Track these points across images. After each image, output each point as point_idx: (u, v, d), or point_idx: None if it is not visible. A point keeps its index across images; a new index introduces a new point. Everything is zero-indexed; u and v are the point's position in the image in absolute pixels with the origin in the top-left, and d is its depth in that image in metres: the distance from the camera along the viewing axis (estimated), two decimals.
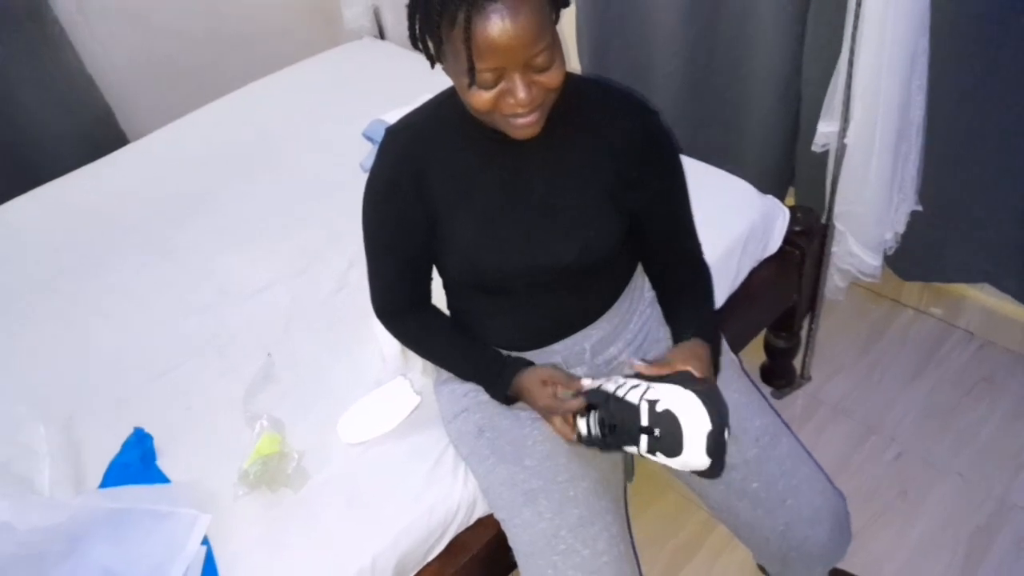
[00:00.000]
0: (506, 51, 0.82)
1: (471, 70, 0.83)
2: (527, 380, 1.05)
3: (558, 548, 1.02)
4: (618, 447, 0.96)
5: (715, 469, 0.91)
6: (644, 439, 0.92)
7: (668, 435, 0.90)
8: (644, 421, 0.91)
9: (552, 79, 0.87)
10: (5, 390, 1.42)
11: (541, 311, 1.11)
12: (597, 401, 0.96)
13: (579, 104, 0.98)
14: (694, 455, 0.90)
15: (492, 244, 1.03)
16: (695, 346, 1.00)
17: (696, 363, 0.95)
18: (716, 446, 0.89)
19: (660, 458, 0.93)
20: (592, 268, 1.06)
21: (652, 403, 0.91)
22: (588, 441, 0.98)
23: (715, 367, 1.03)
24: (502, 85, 0.85)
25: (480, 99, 0.86)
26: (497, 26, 0.80)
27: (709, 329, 1.06)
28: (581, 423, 0.99)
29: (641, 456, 0.95)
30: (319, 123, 1.97)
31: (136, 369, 1.43)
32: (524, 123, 0.90)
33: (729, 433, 0.92)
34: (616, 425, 0.94)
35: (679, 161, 1.08)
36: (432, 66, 0.95)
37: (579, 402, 0.98)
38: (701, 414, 0.89)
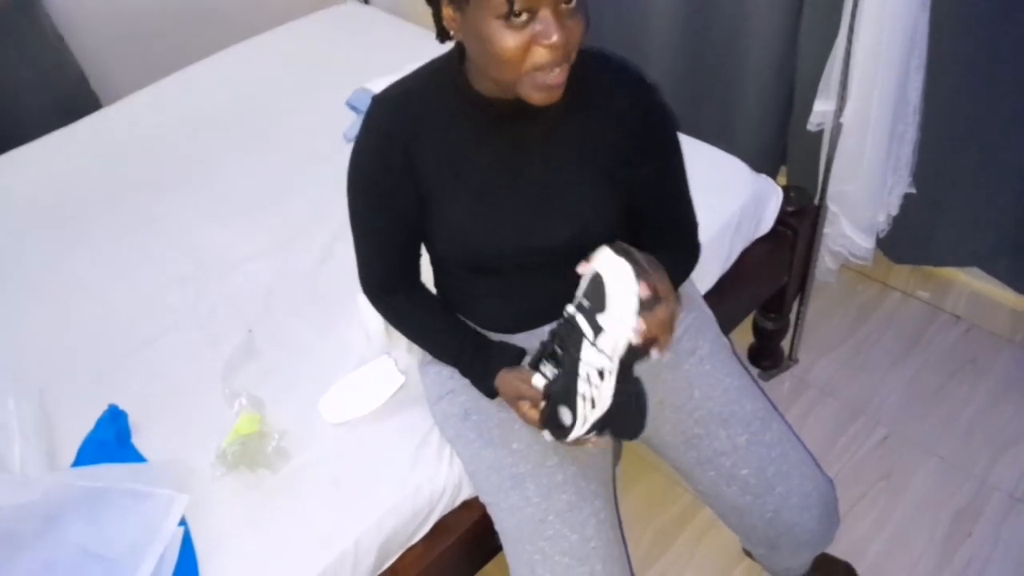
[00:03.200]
0: None
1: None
2: (504, 387, 1.03)
3: (546, 533, 1.00)
4: (573, 373, 0.91)
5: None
6: (583, 322, 0.88)
7: (593, 293, 0.87)
8: (570, 310, 0.89)
9: (579, 27, 0.84)
10: None
11: (532, 293, 1.08)
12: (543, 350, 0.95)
13: (577, 76, 0.94)
14: (623, 307, 0.86)
15: (485, 223, 0.99)
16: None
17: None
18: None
19: (603, 338, 0.88)
20: (587, 250, 1.02)
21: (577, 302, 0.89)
22: (551, 386, 0.94)
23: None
24: (534, 26, 0.81)
25: (509, 43, 0.81)
26: None
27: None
28: (537, 377, 0.95)
29: (593, 353, 0.89)
30: (301, 90, 1.91)
31: (111, 342, 1.38)
32: (549, 80, 0.85)
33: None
34: (560, 338, 0.91)
35: (677, 138, 1.05)
36: (440, 38, 0.90)
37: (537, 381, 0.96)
38: (622, 265, 0.86)
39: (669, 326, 0.89)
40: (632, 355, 0.90)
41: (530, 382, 0.97)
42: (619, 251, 0.87)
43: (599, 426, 0.94)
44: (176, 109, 1.93)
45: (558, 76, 0.85)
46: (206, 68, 2.04)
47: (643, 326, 0.87)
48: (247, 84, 1.97)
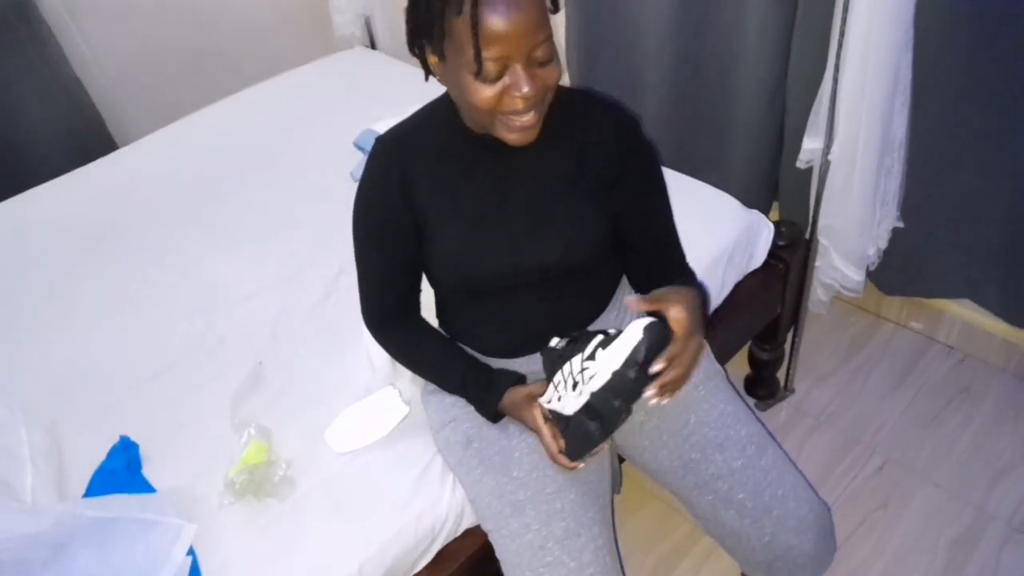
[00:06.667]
0: (511, 38, 0.84)
1: (477, 59, 0.85)
2: (514, 396, 1.07)
3: (544, 560, 1.02)
4: (567, 356, 1.00)
5: (621, 381, 0.94)
6: (598, 338, 0.97)
7: (615, 335, 0.96)
8: (599, 338, 0.98)
9: (551, 75, 0.90)
10: None
11: (529, 317, 1.12)
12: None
13: (563, 111, 1.00)
14: (619, 349, 0.94)
15: (478, 247, 1.04)
16: (685, 289, 0.99)
17: (683, 301, 0.94)
18: (634, 351, 0.92)
19: (591, 366, 0.96)
20: (577, 270, 1.08)
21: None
22: (548, 355, 1.04)
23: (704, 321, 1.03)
24: (505, 80, 0.87)
25: (483, 94, 0.88)
26: (502, 12, 0.83)
27: (697, 289, 1.06)
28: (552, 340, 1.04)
29: (579, 371, 0.98)
30: (310, 131, 1.97)
31: (122, 373, 1.42)
32: (524, 123, 0.91)
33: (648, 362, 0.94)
34: (580, 335, 1.00)
35: (658, 166, 1.12)
36: (426, 78, 0.97)
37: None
38: (646, 324, 0.93)
39: (674, 387, 0.96)
40: (604, 394, 0.97)
41: (537, 390, 1.05)
42: (654, 326, 0.93)
43: (561, 422, 1.03)
44: (189, 149, 1.99)
45: (531, 119, 0.91)
46: (220, 110, 2.11)
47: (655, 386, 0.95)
48: (259, 125, 2.03)
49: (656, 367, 0.93)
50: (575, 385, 0.98)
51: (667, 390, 0.95)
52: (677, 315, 0.92)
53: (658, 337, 0.92)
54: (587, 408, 0.98)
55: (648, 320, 0.93)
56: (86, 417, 1.34)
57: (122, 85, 2.26)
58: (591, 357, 0.97)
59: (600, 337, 0.97)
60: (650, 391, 0.95)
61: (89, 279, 1.63)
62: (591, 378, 0.96)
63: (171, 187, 1.86)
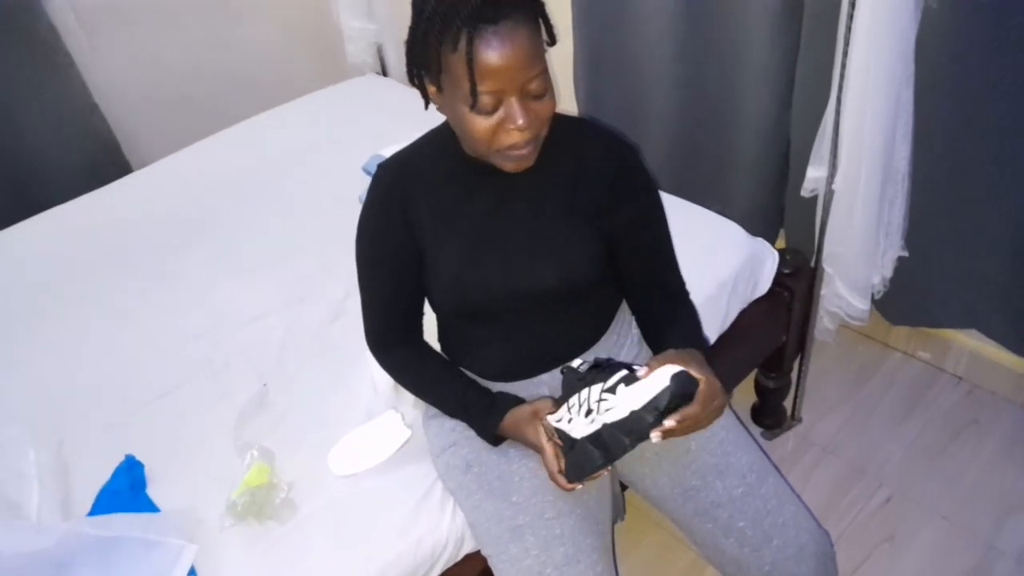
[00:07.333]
0: (505, 72, 0.87)
1: (473, 92, 0.87)
2: (517, 414, 1.07)
3: None
4: (588, 382, 0.99)
5: (637, 422, 0.93)
6: (621, 373, 0.96)
7: (637, 375, 0.95)
8: (636, 369, 0.97)
9: (546, 108, 0.93)
10: None
11: (528, 340, 1.13)
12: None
13: (560, 138, 1.02)
14: (643, 390, 0.93)
15: (475, 271, 1.06)
16: (692, 351, 0.99)
17: (691, 360, 0.95)
18: (657, 397, 0.92)
19: (609, 398, 0.95)
20: (573, 294, 1.09)
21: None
22: (569, 376, 1.03)
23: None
24: (500, 113, 0.90)
25: (479, 126, 0.90)
26: (496, 48, 0.85)
27: (701, 346, 1.06)
28: (575, 361, 1.04)
29: (596, 400, 0.97)
30: (320, 156, 2.01)
31: (128, 394, 1.44)
32: (519, 155, 0.94)
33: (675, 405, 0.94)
34: (605, 365, 1.00)
35: (656, 195, 1.13)
36: (426, 106, 0.99)
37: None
38: (674, 372, 0.92)
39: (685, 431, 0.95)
40: (616, 430, 0.96)
41: (542, 408, 1.04)
42: (681, 376, 0.93)
43: (566, 443, 1.02)
44: (201, 173, 2.03)
45: (527, 151, 0.94)
46: (233, 134, 2.16)
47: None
48: (271, 150, 2.07)
49: (669, 422, 0.92)
50: (588, 412, 0.99)
51: (673, 436, 0.94)
52: (705, 375, 0.93)
53: (683, 388, 0.93)
54: (595, 436, 0.99)
55: (677, 368, 0.93)
56: (93, 437, 1.36)
57: (139, 112, 2.31)
58: (612, 390, 0.96)
59: (624, 372, 0.97)
60: (655, 434, 0.94)
61: (98, 301, 1.65)
62: (607, 410, 0.96)
63: (181, 210, 1.90)
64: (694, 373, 0.93)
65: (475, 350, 1.17)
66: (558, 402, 1.05)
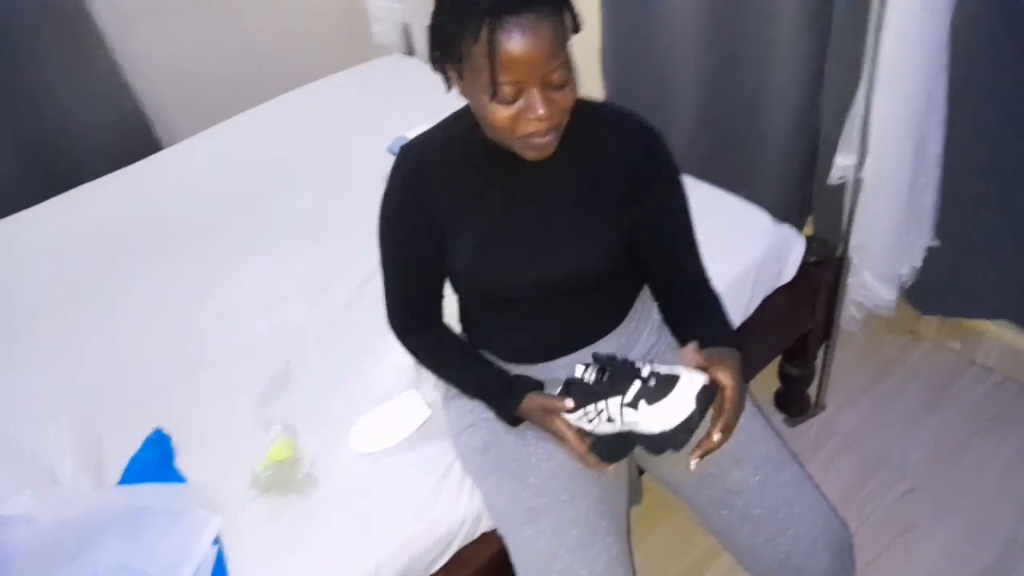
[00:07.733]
0: (526, 64, 0.86)
1: (493, 83, 0.87)
2: (531, 403, 1.07)
3: (556, 567, 1.03)
4: (602, 395, 0.97)
5: (671, 440, 0.93)
6: (636, 384, 0.94)
7: (660, 386, 0.93)
8: (644, 372, 0.95)
9: (567, 98, 0.92)
10: (35, 388, 1.48)
11: (547, 326, 1.13)
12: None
13: (582, 124, 1.01)
14: (669, 412, 0.92)
15: (492, 258, 1.06)
16: (723, 352, 0.97)
17: (732, 368, 0.94)
18: (688, 420, 0.92)
19: (631, 412, 0.94)
20: (590, 283, 1.08)
21: (657, 369, 0.95)
22: (576, 390, 1.00)
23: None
24: (521, 102, 0.89)
25: (500, 115, 0.90)
26: (518, 39, 0.85)
27: (734, 342, 1.04)
28: (578, 369, 1.00)
29: (617, 412, 0.96)
30: (346, 136, 2.02)
31: (159, 370, 1.47)
32: (540, 143, 0.93)
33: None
34: (612, 370, 0.97)
35: (680, 181, 1.10)
36: (448, 89, 0.99)
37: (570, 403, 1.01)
38: (698, 390, 0.92)
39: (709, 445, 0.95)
40: (647, 441, 0.96)
41: (557, 402, 1.03)
42: (704, 393, 0.93)
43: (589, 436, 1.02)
44: (227, 152, 2.05)
45: (548, 139, 0.93)
46: (260, 113, 2.18)
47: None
48: (297, 129, 2.09)
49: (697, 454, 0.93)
50: (610, 420, 0.98)
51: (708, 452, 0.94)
52: (729, 383, 0.92)
53: (706, 402, 0.93)
54: (621, 435, 0.99)
55: (700, 385, 0.92)
56: (124, 411, 1.40)
57: (169, 90, 2.34)
58: (632, 405, 0.95)
59: (639, 383, 0.95)
60: (693, 462, 0.94)
61: (128, 280, 1.69)
62: (633, 423, 0.96)
63: (206, 190, 1.92)
64: (720, 378, 0.92)
65: (493, 334, 1.18)
66: (562, 394, 1.03)
